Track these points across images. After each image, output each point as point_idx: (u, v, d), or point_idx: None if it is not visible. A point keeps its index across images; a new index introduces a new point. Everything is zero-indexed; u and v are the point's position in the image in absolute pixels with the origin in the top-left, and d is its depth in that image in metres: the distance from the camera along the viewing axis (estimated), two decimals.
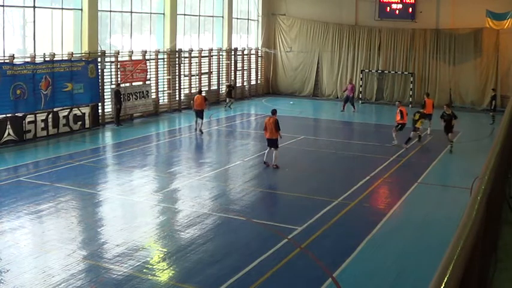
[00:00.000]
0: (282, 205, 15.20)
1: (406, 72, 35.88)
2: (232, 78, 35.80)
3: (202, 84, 32.57)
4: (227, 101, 32.61)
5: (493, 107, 29.39)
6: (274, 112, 18.67)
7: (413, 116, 21.98)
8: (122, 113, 26.01)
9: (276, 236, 12.23)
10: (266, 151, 18.63)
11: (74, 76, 23.45)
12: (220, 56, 34.73)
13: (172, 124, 27.96)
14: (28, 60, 21.84)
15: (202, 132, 24.31)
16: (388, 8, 36.01)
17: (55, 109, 22.72)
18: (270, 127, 18.14)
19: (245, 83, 37.84)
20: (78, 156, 19.58)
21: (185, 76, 31.56)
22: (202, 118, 24.20)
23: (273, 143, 18.33)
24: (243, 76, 37.42)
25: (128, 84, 26.87)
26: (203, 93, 26.40)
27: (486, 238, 3.78)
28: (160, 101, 29.72)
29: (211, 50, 33.80)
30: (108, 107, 26.17)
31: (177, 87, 30.71)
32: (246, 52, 37.76)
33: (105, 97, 25.86)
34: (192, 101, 25.96)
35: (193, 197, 15.26)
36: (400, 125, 22.28)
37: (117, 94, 25.54)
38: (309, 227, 12.83)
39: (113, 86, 26.07)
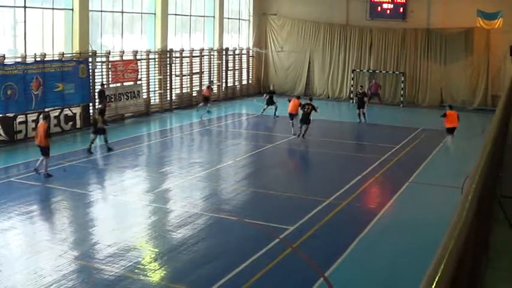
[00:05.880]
0: (273, 205, 15.18)
1: (397, 72, 35.98)
2: (224, 79, 35.96)
3: (193, 84, 32.59)
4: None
5: (358, 103, 28.79)
6: (46, 117, 17.59)
7: None
8: (113, 113, 25.90)
9: (268, 236, 12.23)
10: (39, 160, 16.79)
11: (64, 76, 23.33)
12: (212, 56, 34.68)
13: (163, 124, 27.89)
14: (19, 60, 21.70)
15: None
16: (379, 7, 36.09)
17: (46, 109, 22.59)
18: (40, 134, 16.70)
19: (236, 83, 37.82)
20: (70, 157, 19.51)
21: (176, 76, 31.48)
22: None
23: (43, 151, 16.64)
24: (234, 76, 37.38)
25: (118, 84, 26.78)
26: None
27: (477, 237, 3.79)
28: (151, 101, 29.65)
29: (203, 50, 33.74)
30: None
31: (168, 87, 30.64)
32: (237, 52, 37.72)
33: (96, 97, 25.71)
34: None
35: (184, 197, 15.24)
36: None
37: (100, 94, 25.27)
38: (300, 226, 12.84)
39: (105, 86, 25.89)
